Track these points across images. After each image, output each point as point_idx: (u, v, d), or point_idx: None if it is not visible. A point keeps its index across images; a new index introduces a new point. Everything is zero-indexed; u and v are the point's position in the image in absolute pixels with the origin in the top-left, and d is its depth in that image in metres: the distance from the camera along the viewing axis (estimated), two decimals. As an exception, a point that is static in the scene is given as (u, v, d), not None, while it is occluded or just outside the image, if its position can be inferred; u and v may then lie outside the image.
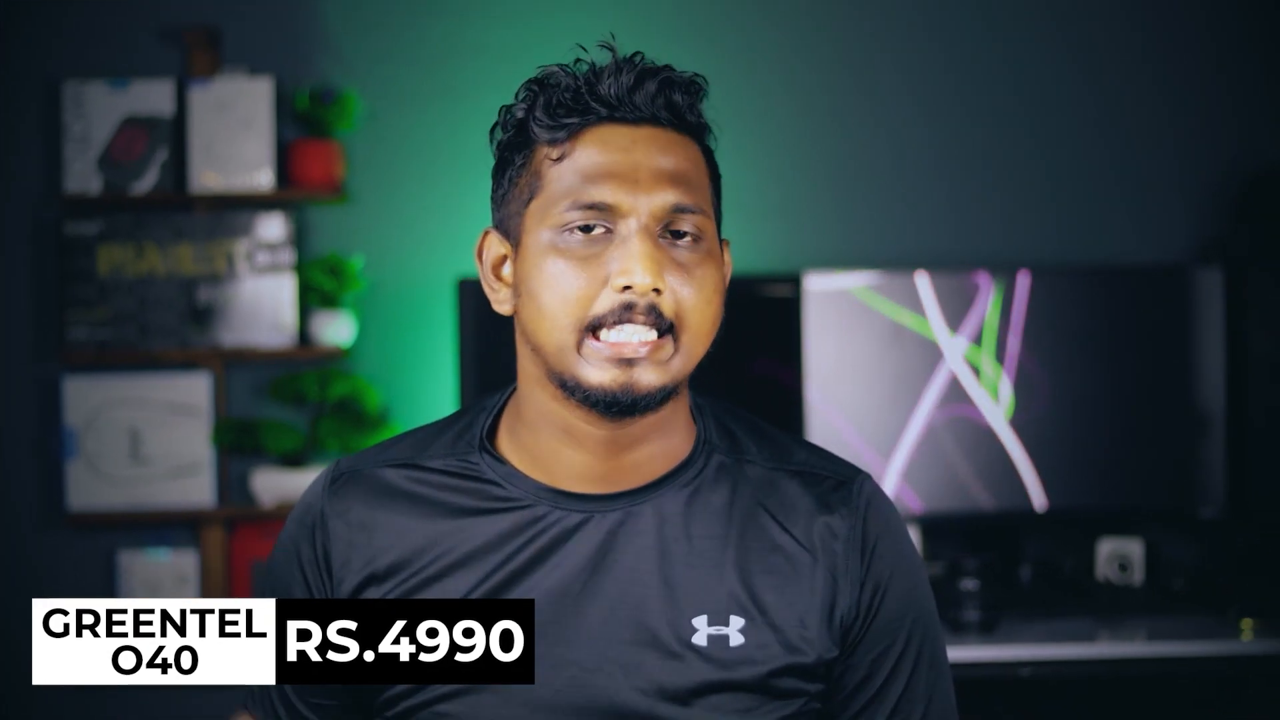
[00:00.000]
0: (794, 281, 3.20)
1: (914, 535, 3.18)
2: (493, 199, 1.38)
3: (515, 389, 1.39)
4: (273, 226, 3.35)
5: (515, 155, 1.34)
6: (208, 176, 3.33)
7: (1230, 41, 3.46)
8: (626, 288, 1.26)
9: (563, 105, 1.31)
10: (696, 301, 1.29)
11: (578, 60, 1.34)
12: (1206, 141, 3.44)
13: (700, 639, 1.31)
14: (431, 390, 3.36)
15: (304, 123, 3.34)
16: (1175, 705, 3.30)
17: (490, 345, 3.16)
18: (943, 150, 3.45)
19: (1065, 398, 3.20)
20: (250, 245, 3.34)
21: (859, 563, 1.36)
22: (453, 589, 1.33)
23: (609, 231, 1.29)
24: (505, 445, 1.38)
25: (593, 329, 1.28)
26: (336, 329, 3.31)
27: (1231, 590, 3.04)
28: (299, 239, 3.39)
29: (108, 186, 3.33)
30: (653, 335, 1.28)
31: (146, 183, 3.33)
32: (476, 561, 1.33)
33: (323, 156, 3.32)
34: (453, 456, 1.38)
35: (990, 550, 3.23)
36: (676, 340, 1.29)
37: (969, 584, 2.87)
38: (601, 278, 1.28)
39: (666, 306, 1.28)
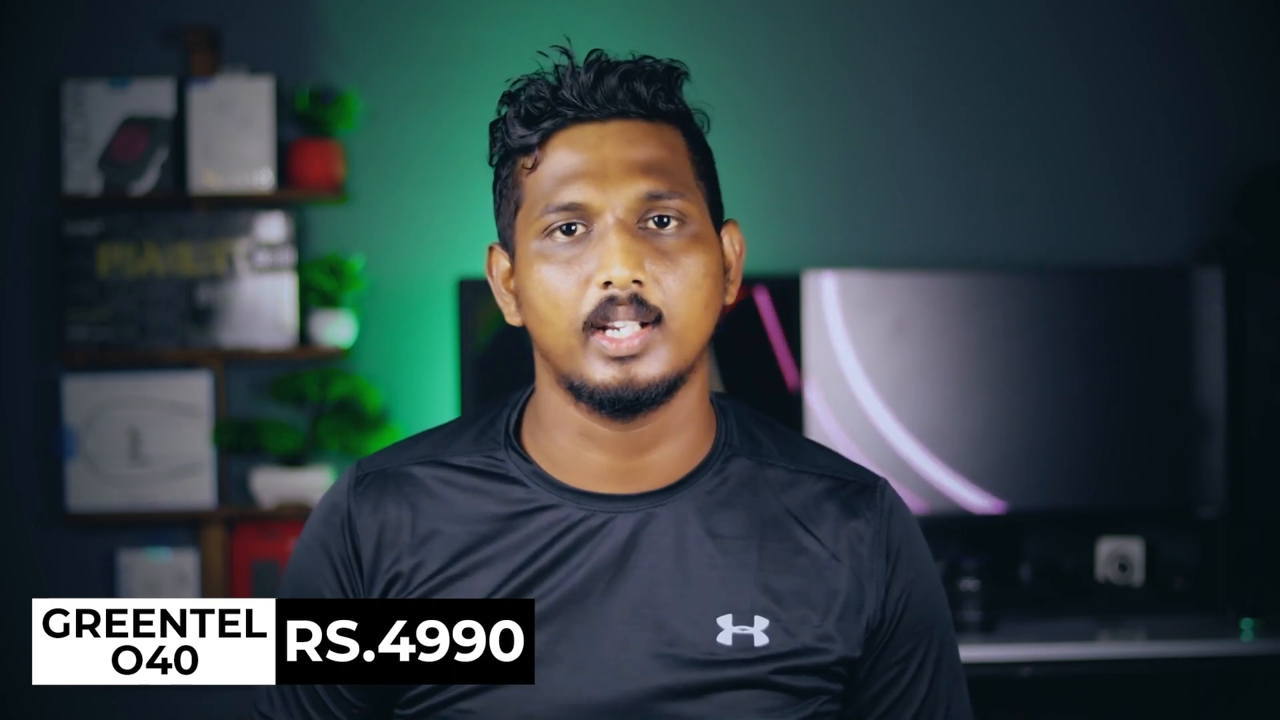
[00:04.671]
0: (794, 281, 3.20)
1: (914, 535, 3.18)
2: (494, 214, 1.39)
3: (534, 390, 1.40)
4: (273, 226, 3.35)
5: (501, 169, 1.36)
6: (208, 176, 3.33)
7: (1230, 41, 3.46)
8: (607, 283, 1.27)
9: (530, 114, 1.32)
10: (683, 288, 1.29)
11: (557, 66, 1.33)
12: (1206, 141, 3.44)
13: (725, 638, 1.32)
14: (431, 390, 3.36)
15: (304, 123, 3.34)
16: (1175, 705, 3.31)
17: (492, 346, 3.16)
18: (943, 150, 3.45)
19: (1065, 398, 3.20)
20: (250, 245, 3.34)
21: (884, 566, 1.37)
22: (477, 589, 1.33)
23: (589, 231, 1.29)
24: (529, 443, 1.38)
25: (591, 327, 1.28)
26: (336, 329, 3.32)
27: (1231, 590, 3.05)
28: (299, 239, 3.39)
29: (108, 186, 3.33)
30: (639, 327, 1.28)
31: (146, 183, 3.33)
32: (501, 561, 1.33)
33: (323, 156, 3.32)
34: (478, 453, 1.38)
35: (990, 550, 3.24)
36: (665, 330, 1.29)
37: (969, 584, 2.87)
38: (586, 277, 1.28)
39: (652, 296, 1.28)
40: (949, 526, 3.24)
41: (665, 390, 1.30)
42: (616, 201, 1.29)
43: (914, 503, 3.15)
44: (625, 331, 1.28)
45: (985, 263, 3.40)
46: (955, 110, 3.46)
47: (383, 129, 3.41)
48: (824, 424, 3.17)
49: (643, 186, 1.29)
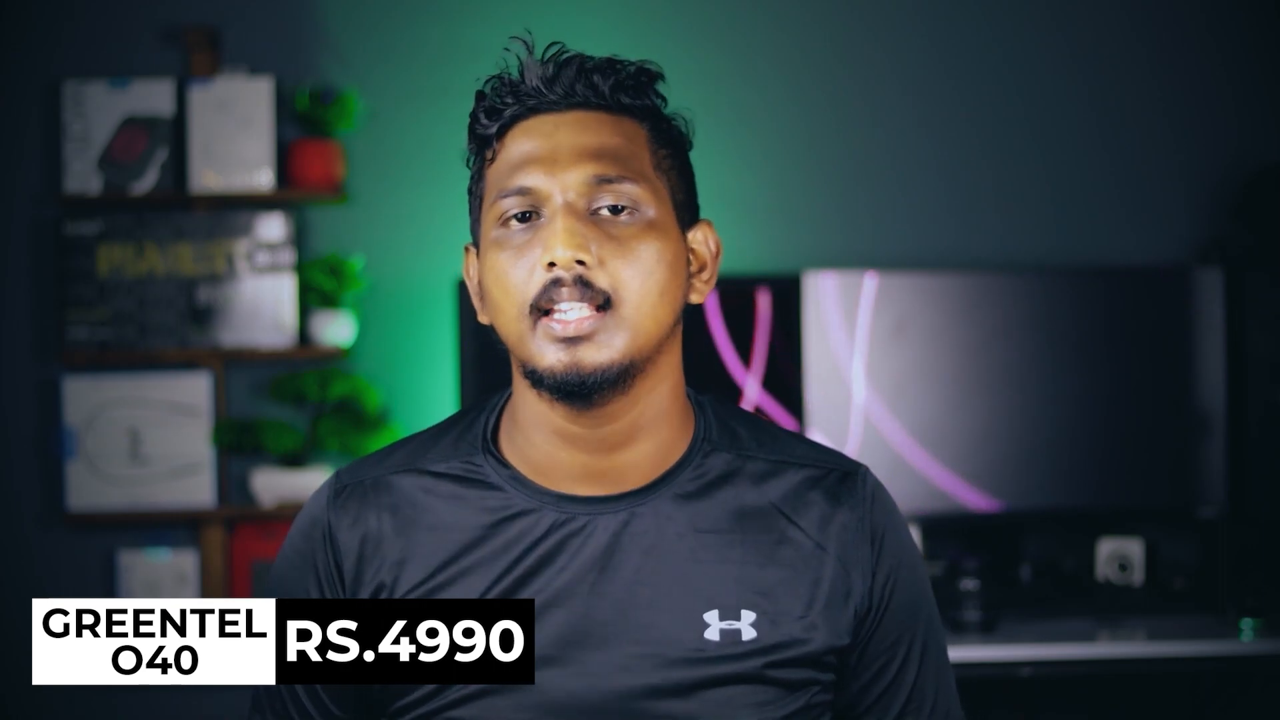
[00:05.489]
0: (794, 281, 3.20)
1: (914, 535, 3.18)
2: (469, 213, 1.41)
3: (511, 394, 1.40)
4: (273, 226, 3.35)
5: (472, 166, 1.38)
6: (208, 176, 3.33)
7: (1230, 41, 3.46)
8: (551, 265, 1.27)
9: (493, 106, 1.34)
10: (635, 273, 1.29)
11: (520, 59, 1.35)
12: (1206, 141, 3.44)
13: (713, 634, 1.32)
14: (431, 390, 3.36)
15: (304, 123, 3.34)
16: (1175, 705, 3.31)
17: (491, 346, 3.16)
18: (943, 150, 3.45)
19: (1065, 398, 3.20)
20: (250, 245, 3.34)
21: (869, 553, 1.37)
22: (461, 596, 1.33)
23: (542, 216, 1.31)
24: (506, 447, 1.38)
25: (539, 311, 1.29)
26: (336, 329, 3.32)
27: (1231, 590, 3.05)
28: (299, 239, 3.39)
29: (108, 186, 3.33)
30: (588, 310, 1.28)
31: (146, 183, 3.34)
32: (484, 569, 1.33)
33: (323, 156, 3.32)
34: (456, 459, 1.38)
35: (990, 550, 3.24)
36: (617, 315, 1.29)
37: (969, 584, 2.87)
38: (535, 262, 1.29)
39: (599, 279, 1.28)
40: (949, 526, 3.24)
41: (616, 377, 1.29)
42: (566, 185, 1.30)
43: (914, 503, 3.15)
44: (572, 314, 1.28)
45: (985, 263, 3.40)
46: (955, 110, 3.46)
47: (383, 129, 3.41)
48: (824, 424, 3.16)
49: (592, 170, 1.30)
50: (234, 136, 3.33)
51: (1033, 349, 3.21)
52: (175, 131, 3.34)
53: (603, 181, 1.30)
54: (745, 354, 3.23)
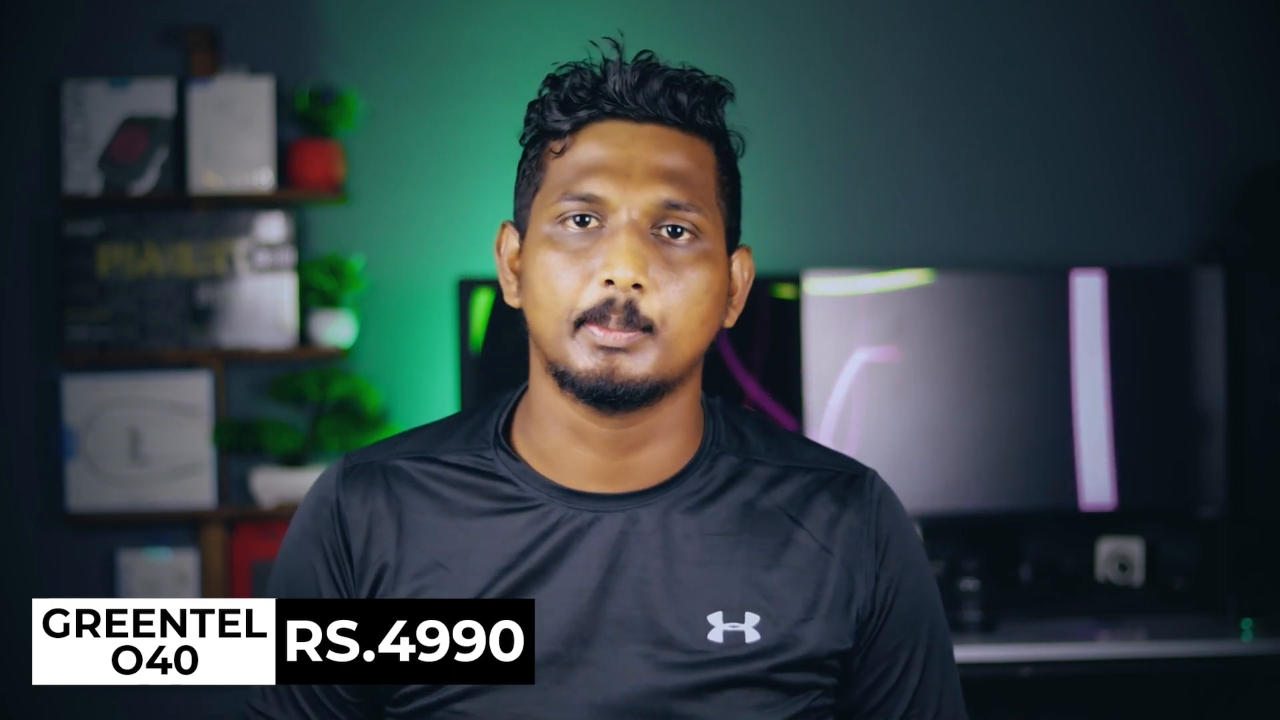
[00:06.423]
0: (794, 281, 3.20)
1: (914, 535, 3.18)
2: (514, 193, 1.39)
3: (527, 387, 1.40)
4: (273, 226, 3.35)
5: (530, 149, 1.37)
6: (208, 176, 3.33)
7: (1230, 41, 3.46)
8: (609, 282, 1.27)
9: (570, 100, 1.33)
10: (682, 301, 1.30)
11: (605, 59, 1.34)
12: (1206, 141, 3.44)
13: (716, 635, 1.32)
14: (431, 390, 3.36)
15: (304, 123, 3.34)
16: (1175, 705, 3.31)
17: (493, 345, 3.16)
18: (943, 150, 3.45)
19: (1064, 397, 3.20)
20: (250, 245, 3.34)
21: (874, 557, 1.37)
22: (467, 588, 1.33)
23: (602, 226, 1.30)
24: (518, 441, 1.39)
25: (582, 322, 1.29)
26: (336, 329, 3.32)
27: (1231, 590, 3.05)
28: (299, 239, 3.39)
29: (108, 186, 3.33)
30: (632, 332, 1.28)
31: (146, 183, 3.34)
32: (489, 559, 1.33)
33: (323, 156, 3.32)
34: (467, 452, 1.38)
35: (990, 550, 3.24)
36: (657, 337, 1.29)
37: (969, 584, 2.87)
38: (589, 271, 1.29)
39: (647, 306, 1.28)
40: (949, 526, 3.24)
41: (647, 392, 1.30)
42: (634, 202, 1.29)
43: (914, 503, 3.15)
44: (616, 329, 1.28)
45: (985, 263, 3.40)
46: (955, 110, 3.46)
47: (383, 129, 3.41)
48: (824, 424, 3.16)
49: (663, 193, 1.30)
50: (234, 136, 3.33)
51: (1033, 349, 3.21)
52: (175, 131, 3.34)
53: (671, 207, 1.30)
54: (745, 354, 3.23)
